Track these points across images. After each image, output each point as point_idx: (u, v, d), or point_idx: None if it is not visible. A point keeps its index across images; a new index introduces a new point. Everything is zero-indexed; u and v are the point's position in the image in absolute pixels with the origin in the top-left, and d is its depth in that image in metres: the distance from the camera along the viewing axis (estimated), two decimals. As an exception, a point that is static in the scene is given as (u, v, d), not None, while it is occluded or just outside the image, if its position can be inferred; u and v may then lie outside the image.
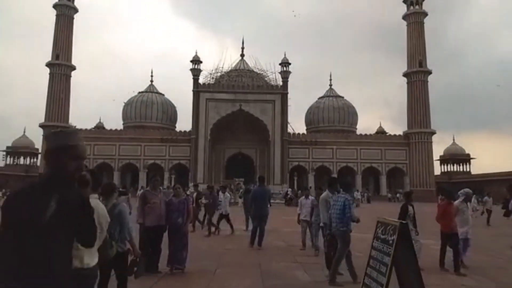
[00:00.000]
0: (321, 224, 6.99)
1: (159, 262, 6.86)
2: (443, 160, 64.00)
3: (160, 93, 61.29)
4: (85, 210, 1.86)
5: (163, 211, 6.94)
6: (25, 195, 1.70)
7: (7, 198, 1.72)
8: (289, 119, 52.05)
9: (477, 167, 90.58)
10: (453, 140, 65.07)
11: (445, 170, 63.77)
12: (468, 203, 8.16)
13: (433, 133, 53.13)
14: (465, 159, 63.06)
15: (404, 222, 3.88)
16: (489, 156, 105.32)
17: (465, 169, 62.88)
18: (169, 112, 60.15)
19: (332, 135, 54.09)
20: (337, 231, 6.35)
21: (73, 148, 1.83)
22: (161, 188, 9.22)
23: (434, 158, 55.10)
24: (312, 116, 60.33)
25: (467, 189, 7.97)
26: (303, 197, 10.53)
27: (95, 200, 3.07)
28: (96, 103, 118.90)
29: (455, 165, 63.67)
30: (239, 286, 6.07)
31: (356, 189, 39.66)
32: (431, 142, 53.17)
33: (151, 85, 62.14)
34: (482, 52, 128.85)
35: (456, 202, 7.72)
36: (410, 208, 7.46)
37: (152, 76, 63.11)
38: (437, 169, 59.49)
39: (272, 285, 6.05)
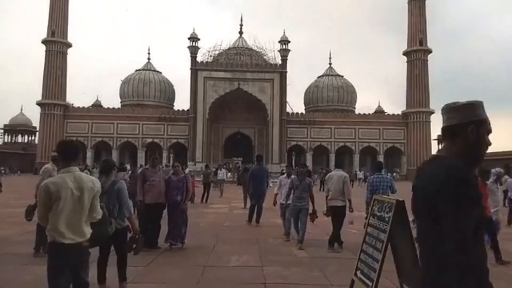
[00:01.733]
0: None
1: (158, 238, 6.98)
2: (441, 140, 64.16)
3: (158, 71, 60.65)
4: None
5: (163, 188, 7.01)
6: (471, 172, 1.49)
7: (463, 175, 1.44)
8: (288, 98, 51.84)
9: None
10: (452, 119, 64.99)
11: (443, 149, 64.00)
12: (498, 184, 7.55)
13: (432, 112, 52.94)
14: (463, 139, 63.18)
15: (400, 200, 3.91)
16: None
17: (462, 149, 63.08)
18: (167, 90, 59.65)
19: (331, 114, 53.93)
20: None
21: (488, 123, 1.59)
22: (161, 166, 9.27)
23: (432, 138, 55.23)
24: (311, 95, 60.00)
25: (498, 169, 7.51)
26: (284, 175, 9.36)
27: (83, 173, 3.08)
28: (94, 81, 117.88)
29: (452, 144, 63.83)
30: (237, 261, 6.19)
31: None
32: (430, 121, 53.09)
33: (149, 62, 61.40)
34: (483, 31, 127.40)
35: (487, 182, 7.05)
36: None
37: (149, 53, 62.36)
38: (435, 148, 59.73)
39: (269, 260, 6.17)
